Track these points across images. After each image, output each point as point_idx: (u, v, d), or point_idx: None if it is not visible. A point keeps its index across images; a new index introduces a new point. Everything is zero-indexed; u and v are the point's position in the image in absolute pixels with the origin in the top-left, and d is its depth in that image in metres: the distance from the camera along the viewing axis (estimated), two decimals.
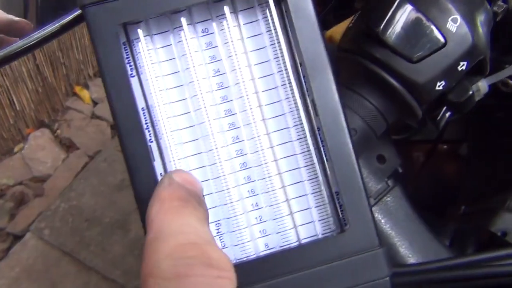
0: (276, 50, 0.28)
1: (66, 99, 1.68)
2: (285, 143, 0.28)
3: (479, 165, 0.59)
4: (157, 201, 0.22)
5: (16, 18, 0.37)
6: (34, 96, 1.55)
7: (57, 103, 1.65)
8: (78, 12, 0.32)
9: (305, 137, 0.28)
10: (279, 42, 0.28)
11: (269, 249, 0.28)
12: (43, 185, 1.53)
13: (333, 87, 0.27)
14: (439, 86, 0.35)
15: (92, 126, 1.64)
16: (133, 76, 0.27)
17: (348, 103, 0.36)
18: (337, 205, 0.28)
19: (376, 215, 0.44)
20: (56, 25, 0.31)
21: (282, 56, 0.28)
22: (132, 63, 0.27)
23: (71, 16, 0.31)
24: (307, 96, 0.28)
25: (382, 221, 0.44)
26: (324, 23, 0.50)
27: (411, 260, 0.43)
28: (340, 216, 0.28)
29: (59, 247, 1.39)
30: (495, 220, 0.45)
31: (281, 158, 0.28)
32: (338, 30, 0.41)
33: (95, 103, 1.68)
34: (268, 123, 0.28)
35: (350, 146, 0.27)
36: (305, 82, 0.28)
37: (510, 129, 0.54)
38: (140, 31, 0.27)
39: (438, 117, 0.38)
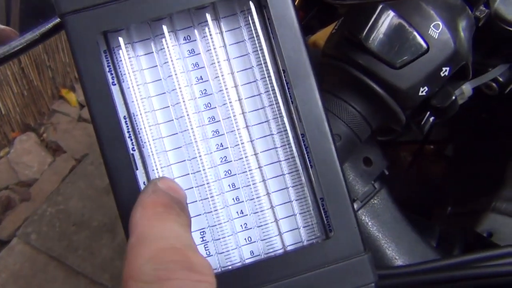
0: (259, 57, 0.28)
1: (52, 102, 1.66)
2: (269, 149, 0.28)
3: (464, 166, 0.59)
4: (141, 207, 0.22)
5: (2, 26, 0.37)
6: (20, 99, 1.53)
7: (43, 106, 1.63)
8: (59, 20, 0.31)
9: (289, 143, 0.28)
10: (261, 49, 0.28)
11: (255, 256, 0.28)
12: (30, 190, 1.52)
13: (316, 94, 0.27)
14: (422, 92, 0.35)
15: (79, 129, 1.63)
16: (114, 85, 0.27)
17: (332, 109, 0.36)
18: (322, 212, 0.28)
19: (363, 217, 0.44)
20: (36, 33, 0.30)
21: (265, 63, 0.28)
22: (113, 71, 0.27)
23: (51, 24, 0.30)
24: (290, 103, 0.28)
25: (369, 223, 0.44)
26: (309, 28, 0.50)
27: (398, 262, 0.43)
28: (325, 222, 0.28)
29: (47, 252, 1.38)
30: (481, 221, 0.45)
31: (265, 165, 0.28)
32: (322, 36, 0.41)
33: (81, 105, 1.67)
34: (252, 130, 0.28)
35: (334, 152, 0.27)
36: (288, 88, 0.28)
37: (495, 130, 0.55)
38: (121, 39, 0.27)
39: (422, 122, 0.38)
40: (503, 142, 0.52)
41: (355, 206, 0.43)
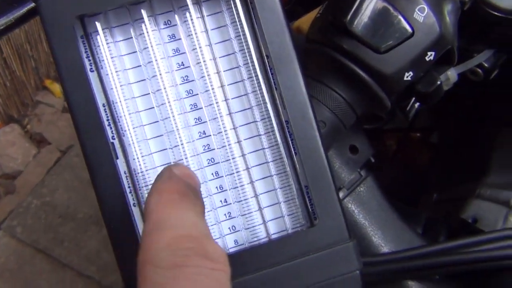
0: (242, 43, 0.27)
1: (36, 93, 1.63)
2: (252, 137, 0.28)
3: (449, 153, 0.59)
4: (157, 193, 0.22)
5: None
6: (2, 90, 1.50)
7: (27, 97, 1.61)
8: (32, 4, 0.30)
9: (273, 131, 0.28)
10: (244, 34, 0.27)
11: (239, 245, 0.28)
12: (14, 182, 1.50)
13: (300, 80, 0.27)
14: (407, 77, 0.35)
15: (63, 120, 1.60)
16: (92, 71, 0.26)
17: (317, 95, 0.36)
18: (307, 199, 0.28)
19: (349, 205, 0.44)
20: (11, 17, 0.29)
21: (248, 48, 0.27)
22: (90, 58, 0.26)
23: (26, 8, 0.29)
24: (274, 89, 0.27)
25: (355, 211, 0.44)
26: (293, 13, 0.49)
27: (385, 249, 0.43)
28: (310, 210, 0.28)
29: (32, 245, 1.37)
30: (466, 207, 0.45)
31: (249, 153, 0.28)
32: (306, 21, 0.41)
33: None
34: (235, 117, 0.28)
35: (318, 139, 0.27)
36: (272, 74, 0.27)
37: (480, 117, 0.55)
38: (98, 24, 0.26)
39: (408, 108, 0.37)
40: (487, 129, 0.53)
41: (341, 194, 0.43)
